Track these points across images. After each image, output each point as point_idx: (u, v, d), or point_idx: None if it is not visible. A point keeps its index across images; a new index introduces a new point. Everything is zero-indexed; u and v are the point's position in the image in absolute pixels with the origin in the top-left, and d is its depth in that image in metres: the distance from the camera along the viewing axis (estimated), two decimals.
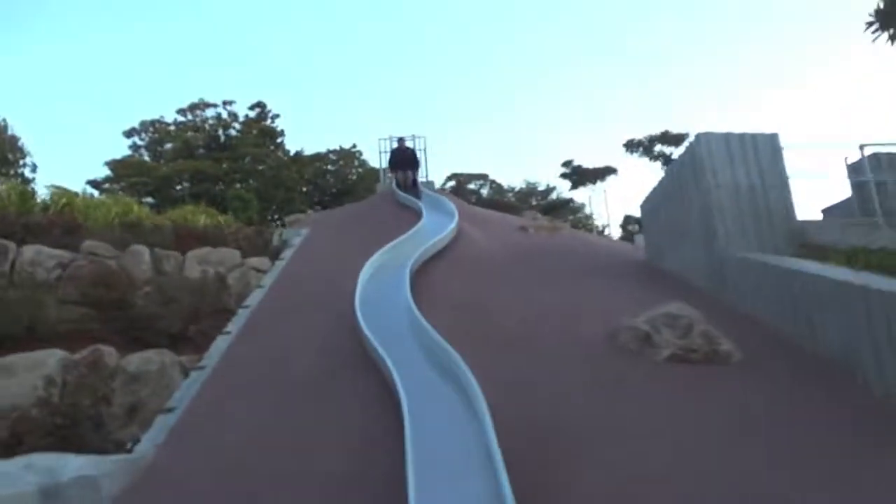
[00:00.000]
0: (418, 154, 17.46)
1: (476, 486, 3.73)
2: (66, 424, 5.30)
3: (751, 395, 4.84)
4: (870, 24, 7.04)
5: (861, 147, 7.78)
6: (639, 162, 26.16)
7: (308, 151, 35.00)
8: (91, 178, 30.12)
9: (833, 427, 4.35)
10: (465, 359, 5.19)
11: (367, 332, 6.02)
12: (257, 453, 4.75)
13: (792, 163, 7.97)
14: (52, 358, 6.27)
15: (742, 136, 8.11)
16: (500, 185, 39.93)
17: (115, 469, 4.50)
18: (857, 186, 8.50)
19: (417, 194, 14.49)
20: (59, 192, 12.10)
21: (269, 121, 33.59)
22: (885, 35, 6.91)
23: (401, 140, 17.32)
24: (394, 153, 16.94)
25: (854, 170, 8.54)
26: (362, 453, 4.54)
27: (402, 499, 3.58)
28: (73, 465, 4.38)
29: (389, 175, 17.31)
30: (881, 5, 6.85)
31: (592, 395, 4.98)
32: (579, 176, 26.63)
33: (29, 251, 8.27)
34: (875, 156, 8.73)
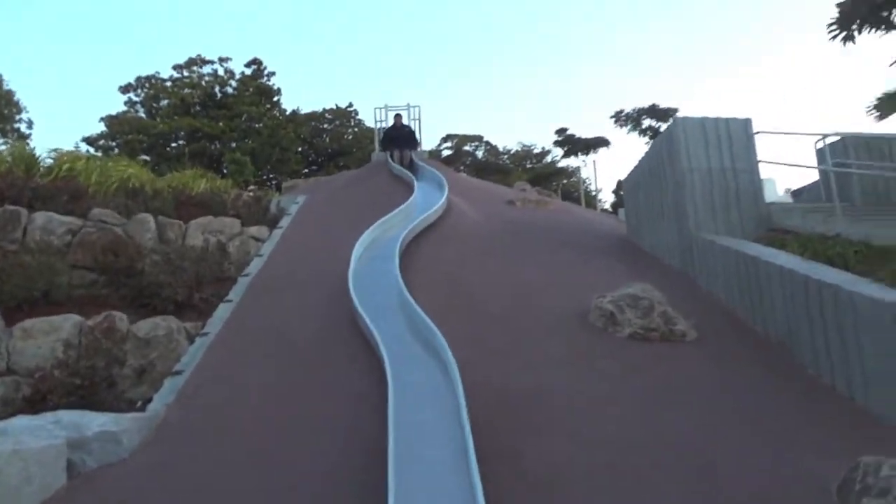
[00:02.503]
0: (413, 129, 16.94)
1: (448, 445, 4.32)
2: (84, 385, 5.84)
3: (697, 370, 5.43)
4: (830, 26, 7.62)
5: (823, 136, 8.21)
6: (628, 135, 26.54)
7: (304, 110, 35.04)
8: (86, 134, 30.38)
9: (763, 398, 4.95)
10: (446, 331, 5.74)
11: (358, 307, 6.55)
12: (260, 413, 5.33)
13: (772, 147, 8.50)
14: (68, 322, 6.80)
15: (717, 121, 8.51)
16: (494, 148, 40.19)
17: (132, 425, 5.06)
18: (823, 172, 8.98)
19: (414, 172, 14.12)
20: (64, 157, 12.45)
21: (265, 79, 33.56)
22: (841, 36, 7.50)
23: (397, 117, 16.70)
24: (389, 133, 16.22)
25: (821, 155, 9.01)
26: (354, 411, 5.12)
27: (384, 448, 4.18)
28: (96, 421, 4.94)
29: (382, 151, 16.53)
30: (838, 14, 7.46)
31: (557, 367, 5.55)
32: (572, 145, 26.99)
33: (40, 217, 8.70)
34: (843, 141, 9.21)
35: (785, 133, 9.04)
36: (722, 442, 4.44)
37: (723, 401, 4.99)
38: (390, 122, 16.71)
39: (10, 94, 26.39)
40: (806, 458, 4.17)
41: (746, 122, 8.53)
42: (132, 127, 29.58)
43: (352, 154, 32.52)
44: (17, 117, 26.92)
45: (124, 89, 32.39)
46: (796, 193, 10.34)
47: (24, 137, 26.05)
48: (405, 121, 17.07)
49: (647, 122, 24.18)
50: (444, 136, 39.40)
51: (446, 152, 37.84)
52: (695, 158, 8.27)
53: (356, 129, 34.68)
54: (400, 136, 15.87)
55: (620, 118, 24.73)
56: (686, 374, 5.41)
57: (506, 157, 39.77)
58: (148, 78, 32.52)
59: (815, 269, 5.60)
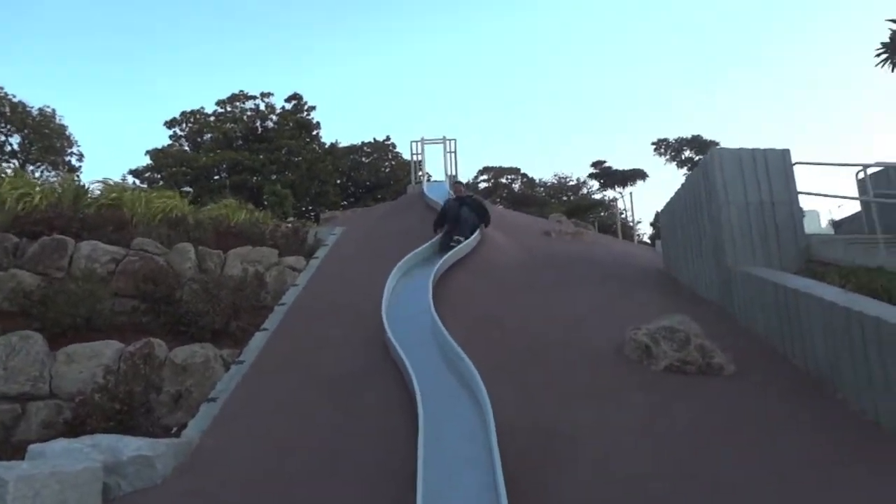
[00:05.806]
0: (477, 198, 12.55)
1: (476, 475, 4.29)
2: (123, 410, 5.94)
3: (734, 405, 5.30)
4: (879, 53, 7.46)
5: (865, 167, 8.06)
6: (667, 166, 26.24)
7: (343, 144, 35.58)
8: (132, 167, 31.27)
9: (804, 433, 4.81)
10: (478, 363, 5.72)
11: (392, 339, 6.57)
12: (292, 442, 5.36)
13: (815, 179, 8.32)
14: (109, 348, 6.96)
15: (753, 152, 8.37)
16: (531, 180, 40.27)
17: (167, 451, 5.13)
18: (865, 203, 8.79)
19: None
20: (109, 188, 12.85)
21: (305, 113, 34.24)
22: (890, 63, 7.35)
23: (457, 185, 12.95)
24: (448, 211, 11.27)
25: (863, 186, 8.83)
26: (385, 444, 5.11)
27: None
28: (132, 445, 5.02)
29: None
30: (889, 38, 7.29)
31: (590, 400, 5.48)
32: (608, 177, 26.81)
33: (86, 247, 8.96)
34: (885, 171, 9.02)
35: (825, 164, 8.76)
36: (760, 479, 4.32)
37: (762, 436, 4.86)
38: (426, 156, 16.09)
39: (62, 128, 27.35)
40: (851, 495, 4.04)
41: (784, 153, 8.39)
42: (176, 160, 30.40)
43: (389, 187, 32.88)
44: (69, 150, 27.84)
45: (169, 124, 33.39)
46: (837, 225, 10.13)
47: (74, 170, 26.92)
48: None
49: (686, 154, 23.92)
50: (481, 168, 39.65)
51: (483, 185, 37.98)
52: (732, 190, 8.15)
53: (393, 162, 35.09)
54: (462, 214, 11.06)
55: (661, 147, 24.52)
56: (723, 408, 5.29)
57: (542, 189, 39.83)
58: (192, 113, 33.48)
59: (856, 301, 5.46)
